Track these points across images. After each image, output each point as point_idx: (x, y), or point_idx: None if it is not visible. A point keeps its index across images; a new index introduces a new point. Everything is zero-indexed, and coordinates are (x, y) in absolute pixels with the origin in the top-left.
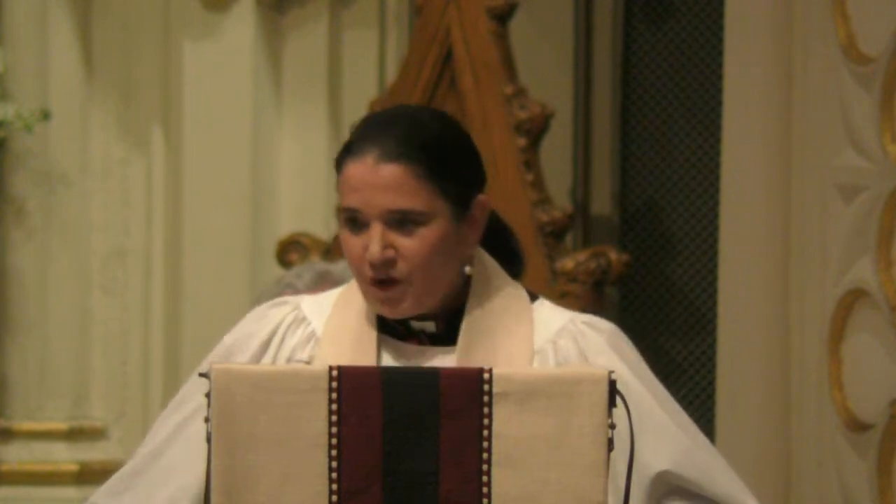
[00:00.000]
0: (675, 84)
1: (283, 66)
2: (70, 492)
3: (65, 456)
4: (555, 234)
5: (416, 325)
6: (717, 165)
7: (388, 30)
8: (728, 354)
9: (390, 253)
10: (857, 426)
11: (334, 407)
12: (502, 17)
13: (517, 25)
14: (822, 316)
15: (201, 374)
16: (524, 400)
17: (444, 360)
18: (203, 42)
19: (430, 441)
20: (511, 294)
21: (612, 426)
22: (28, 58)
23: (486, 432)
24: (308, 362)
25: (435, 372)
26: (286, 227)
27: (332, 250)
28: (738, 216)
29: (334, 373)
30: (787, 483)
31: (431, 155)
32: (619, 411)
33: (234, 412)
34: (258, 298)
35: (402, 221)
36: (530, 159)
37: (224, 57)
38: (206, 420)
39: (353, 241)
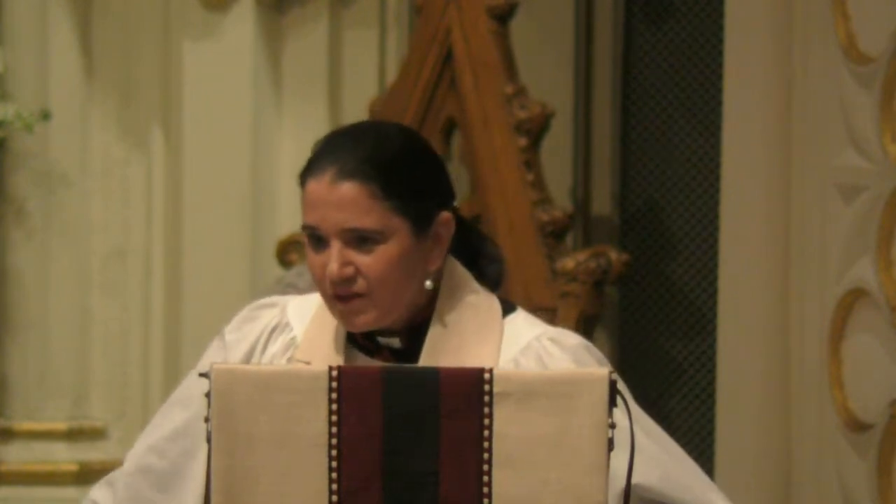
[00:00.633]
0: (675, 84)
1: (283, 66)
2: (70, 492)
3: (65, 456)
4: (555, 234)
5: (382, 340)
6: (717, 165)
7: (388, 30)
8: (728, 354)
9: (349, 270)
10: (857, 426)
11: (334, 407)
12: (502, 17)
13: (517, 25)
14: (822, 316)
15: (201, 374)
16: (524, 400)
17: None
18: (203, 42)
19: (430, 441)
20: (480, 308)
21: (613, 426)
22: (28, 58)
23: (486, 432)
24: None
25: (435, 372)
26: (286, 227)
27: None
28: (738, 216)
29: (334, 373)
30: (787, 483)
31: (388, 173)
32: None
33: (234, 412)
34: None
35: (359, 239)
36: (530, 159)
37: (224, 57)
38: (206, 420)
39: (314, 259)
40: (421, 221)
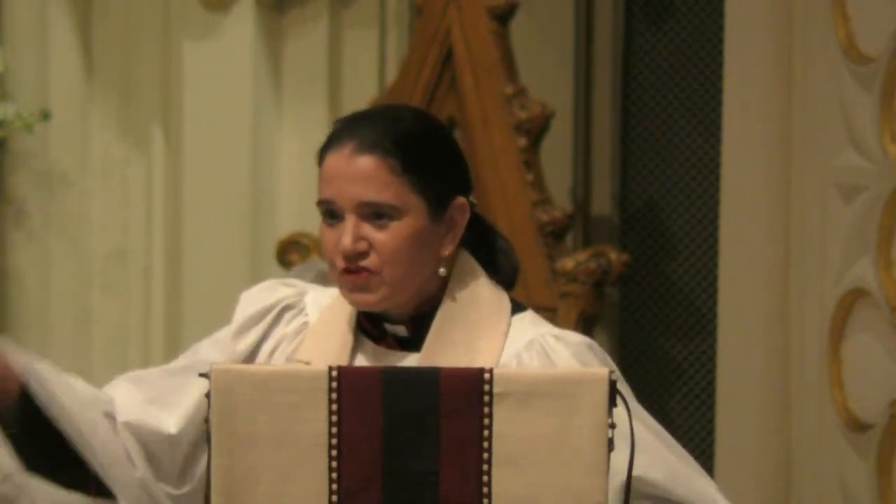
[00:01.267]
0: (675, 84)
1: (283, 66)
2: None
3: None
4: (555, 234)
5: (388, 327)
6: (717, 165)
7: (388, 30)
8: (728, 354)
9: (362, 245)
10: (857, 426)
11: (334, 407)
12: (502, 17)
13: (517, 25)
14: (822, 316)
15: (201, 374)
16: (524, 400)
17: (406, 364)
18: (203, 42)
19: (430, 441)
20: (488, 303)
21: (613, 426)
22: (28, 58)
23: (486, 432)
24: (291, 356)
25: (435, 372)
26: (286, 227)
27: None
28: (738, 216)
29: (334, 373)
30: (787, 483)
31: (408, 150)
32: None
33: (234, 412)
34: None
35: (375, 214)
36: (530, 159)
37: (224, 57)
38: (206, 420)
39: (328, 233)
40: (437, 203)
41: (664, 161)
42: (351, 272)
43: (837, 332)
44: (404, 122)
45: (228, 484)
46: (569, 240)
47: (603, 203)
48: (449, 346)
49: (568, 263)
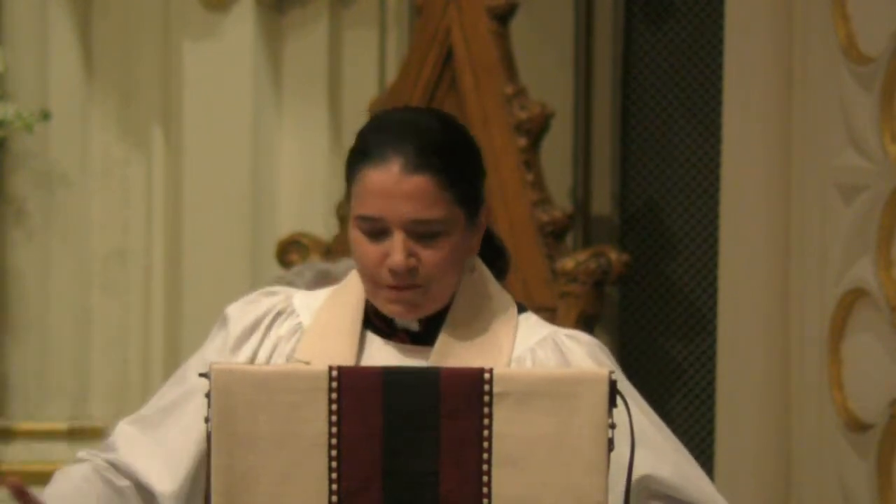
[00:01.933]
0: (675, 84)
1: (283, 66)
2: None
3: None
4: (555, 234)
5: (400, 322)
6: (717, 165)
7: (388, 30)
8: (728, 354)
9: (412, 262)
10: (857, 426)
11: (334, 407)
12: (502, 18)
13: (517, 25)
14: (822, 316)
15: (201, 374)
16: (524, 400)
17: (420, 362)
18: (203, 42)
19: (430, 441)
20: (498, 300)
21: (613, 426)
22: (28, 58)
23: (486, 432)
24: (290, 356)
25: (435, 372)
26: (286, 227)
27: (332, 250)
28: (738, 216)
29: (334, 373)
30: (787, 483)
31: (451, 164)
32: (619, 411)
33: (234, 412)
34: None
35: (424, 231)
36: (530, 159)
37: (224, 57)
38: (206, 420)
39: (370, 248)
40: (473, 211)
41: (664, 161)
42: (399, 288)
43: (837, 332)
44: (442, 133)
45: (228, 484)
46: (569, 240)
47: (603, 203)
48: (463, 341)
49: (568, 263)
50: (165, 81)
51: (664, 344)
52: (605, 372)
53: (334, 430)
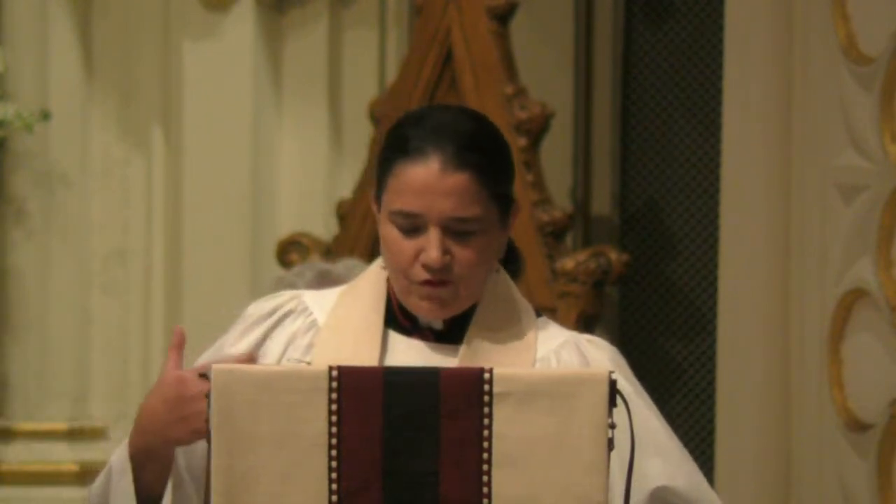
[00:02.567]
0: (675, 84)
1: (283, 66)
2: (70, 492)
3: (65, 456)
4: (555, 234)
5: (423, 321)
6: (717, 165)
7: (388, 30)
8: (728, 354)
9: (447, 259)
10: (857, 426)
11: (334, 407)
12: (502, 17)
13: (517, 25)
14: (822, 316)
15: (201, 374)
16: (525, 400)
17: (447, 359)
18: (203, 42)
19: (430, 441)
20: (520, 302)
21: (613, 426)
22: (28, 58)
23: (486, 432)
24: (308, 350)
25: (435, 372)
26: (286, 227)
27: (332, 250)
28: (738, 216)
29: (335, 373)
30: (787, 483)
31: (489, 162)
32: (619, 411)
33: (234, 412)
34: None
35: (460, 228)
36: (530, 159)
37: (224, 57)
38: (206, 420)
39: (403, 244)
40: (506, 210)
41: (664, 161)
42: (433, 284)
43: (837, 332)
44: (479, 131)
45: (228, 484)
46: (569, 240)
47: (603, 203)
48: (491, 340)
49: (568, 263)
50: (165, 81)
51: (664, 344)
52: (605, 372)
53: (334, 430)
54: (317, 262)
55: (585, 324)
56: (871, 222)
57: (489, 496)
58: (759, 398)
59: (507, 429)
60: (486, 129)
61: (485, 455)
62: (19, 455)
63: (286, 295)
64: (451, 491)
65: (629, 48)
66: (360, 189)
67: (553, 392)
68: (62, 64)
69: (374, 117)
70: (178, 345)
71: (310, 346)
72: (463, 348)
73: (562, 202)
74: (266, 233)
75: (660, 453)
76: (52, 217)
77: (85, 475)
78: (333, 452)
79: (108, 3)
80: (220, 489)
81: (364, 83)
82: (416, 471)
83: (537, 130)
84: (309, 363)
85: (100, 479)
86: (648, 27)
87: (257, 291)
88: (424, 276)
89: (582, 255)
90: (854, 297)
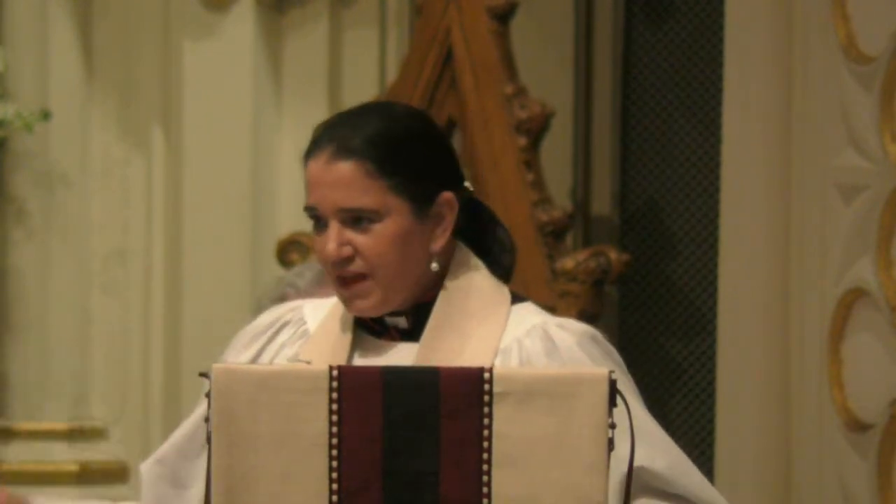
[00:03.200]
0: (675, 84)
1: (283, 66)
2: (70, 492)
3: (65, 456)
4: (555, 234)
5: (389, 320)
6: (717, 165)
7: (388, 30)
8: (728, 354)
9: (347, 251)
10: (857, 426)
11: (334, 407)
12: (502, 17)
13: (517, 25)
14: (822, 316)
15: (201, 374)
16: (524, 400)
17: (406, 354)
18: (203, 42)
19: (430, 441)
20: (487, 291)
21: (613, 426)
22: (28, 58)
23: (486, 432)
24: (293, 359)
25: (435, 372)
26: (286, 227)
27: None
28: (738, 216)
29: (335, 373)
30: (787, 483)
31: (384, 152)
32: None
33: (234, 412)
34: (259, 298)
35: (356, 219)
36: (530, 159)
37: (224, 57)
38: (206, 420)
39: (317, 240)
40: (420, 201)
41: (664, 161)
42: (344, 280)
43: (837, 332)
44: (382, 123)
45: (228, 484)
46: (569, 239)
47: (603, 203)
48: (447, 335)
49: (568, 263)
50: (165, 81)
51: (664, 344)
52: (605, 372)
53: (334, 430)
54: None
55: (585, 323)
56: (871, 222)
57: (489, 496)
58: (759, 398)
59: (507, 428)
60: (392, 121)
61: (485, 455)
62: (19, 455)
63: (287, 306)
64: (451, 491)
65: (629, 48)
66: None
67: (553, 392)
68: (62, 64)
69: None
70: None
71: (295, 356)
72: (420, 346)
73: (562, 202)
74: (266, 233)
75: (638, 436)
76: (52, 217)
77: (84, 475)
78: (334, 452)
79: (108, 3)
80: (220, 489)
81: (364, 83)
82: (416, 471)
83: (537, 130)
84: (309, 363)
85: None
86: (648, 27)
87: (257, 291)
88: (333, 271)
89: (582, 255)
90: (854, 297)
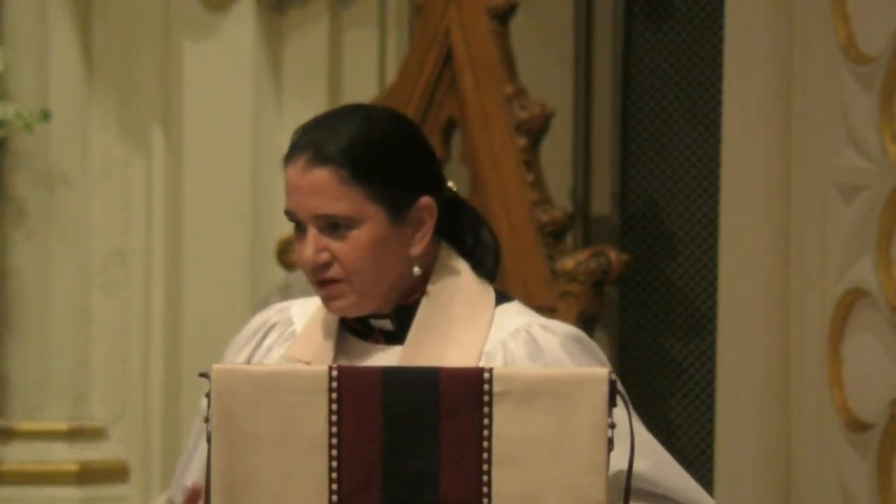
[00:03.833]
0: (675, 84)
1: (283, 66)
2: (70, 492)
3: (65, 456)
4: (555, 234)
5: (374, 323)
6: (717, 165)
7: (388, 30)
8: (728, 354)
9: (324, 256)
10: (857, 426)
11: (334, 407)
12: (502, 17)
13: (517, 25)
14: (822, 316)
15: (201, 374)
16: (524, 400)
17: (390, 357)
18: (203, 42)
19: (430, 441)
20: (471, 295)
21: (613, 426)
22: (28, 58)
23: (486, 432)
24: (279, 361)
25: (435, 372)
26: (286, 227)
27: None
28: (738, 216)
29: (334, 373)
30: (787, 483)
31: (359, 158)
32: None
33: (234, 412)
34: (262, 304)
35: (332, 225)
36: (530, 159)
37: (224, 57)
38: (206, 420)
39: (297, 245)
40: (398, 207)
41: (664, 161)
42: (322, 283)
43: (837, 332)
44: (357, 128)
45: (228, 484)
46: (569, 240)
47: (603, 203)
48: (430, 339)
49: (568, 263)
50: (165, 81)
51: (664, 344)
52: (605, 372)
53: (334, 430)
54: None
55: (585, 323)
56: (871, 222)
57: (489, 496)
58: (759, 398)
59: (507, 428)
60: (369, 127)
61: (485, 455)
62: (19, 455)
63: (276, 307)
64: (451, 491)
65: (629, 48)
66: None
67: (553, 392)
68: (62, 64)
69: None
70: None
71: (281, 358)
72: (403, 349)
73: (562, 202)
74: (266, 233)
75: (623, 439)
76: (52, 217)
77: (84, 475)
78: (333, 452)
79: (108, 3)
80: (220, 489)
81: (364, 83)
82: (416, 471)
83: (537, 130)
84: (308, 362)
85: None
86: (648, 27)
87: (257, 291)
88: (313, 276)
89: (582, 255)
90: (854, 297)
